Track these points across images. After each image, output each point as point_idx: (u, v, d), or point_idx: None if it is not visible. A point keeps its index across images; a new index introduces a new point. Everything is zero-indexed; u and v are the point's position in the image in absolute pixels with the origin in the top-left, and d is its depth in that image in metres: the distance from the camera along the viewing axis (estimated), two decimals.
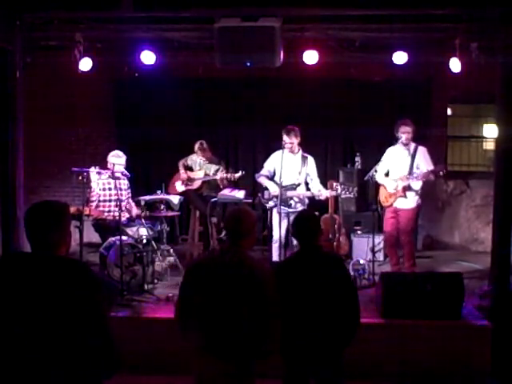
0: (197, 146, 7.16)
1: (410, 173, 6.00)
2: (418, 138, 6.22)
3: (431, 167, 5.98)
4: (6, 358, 2.12)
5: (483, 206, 8.02)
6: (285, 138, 6.07)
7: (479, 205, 8.18)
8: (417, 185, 6.04)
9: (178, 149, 7.60)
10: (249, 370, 3.02)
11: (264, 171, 6.35)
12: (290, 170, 6.12)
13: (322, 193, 6.14)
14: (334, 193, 6.14)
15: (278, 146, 6.16)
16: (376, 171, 6.15)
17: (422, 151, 6.08)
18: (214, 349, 2.97)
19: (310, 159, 6.27)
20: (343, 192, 6.09)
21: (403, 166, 6.08)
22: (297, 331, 3.21)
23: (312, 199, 6.34)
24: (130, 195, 6.47)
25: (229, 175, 6.89)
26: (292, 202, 6.15)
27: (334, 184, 6.17)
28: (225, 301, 2.95)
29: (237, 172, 6.83)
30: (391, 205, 6.14)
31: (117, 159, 6.18)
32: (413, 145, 6.09)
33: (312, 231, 3.38)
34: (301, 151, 6.25)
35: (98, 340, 2.13)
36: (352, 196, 6.20)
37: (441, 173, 5.98)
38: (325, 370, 3.31)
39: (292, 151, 6.12)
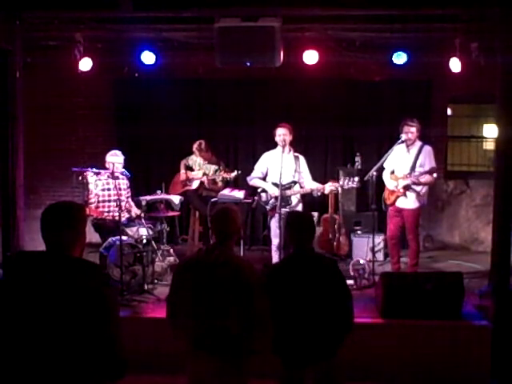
0: (195, 146, 7.15)
1: (411, 172, 6.00)
2: (419, 138, 6.21)
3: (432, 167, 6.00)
4: (14, 358, 2.12)
5: (483, 205, 8.02)
6: (279, 130, 6.06)
7: (479, 205, 8.18)
8: (417, 185, 6.03)
9: (178, 149, 7.61)
10: (240, 368, 3.02)
11: (256, 173, 6.32)
12: (286, 168, 6.07)
13: (325, 187, 6.09)
14: (336, 184, 6.12)
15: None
16: (384, 168, 6.17)
17: (428, 151, 6.07)
18: (203, 347, 2.98)
19: (302, 158, 6.28)
20: (345, 182, 6.05)
21: (405, 164, 6.07)
22: (293, 332, 3.21)
23: (310, 197, 6.31)
24: (129, 195, 6.46)
25: (224, 175, 6.90)
26: (292, 200, 6.14)
27: (335, 184, 6.17)
28: (210, 300, 2.96)
29: (232, 172, 6.84)
30: (393, 203, 6.14)
31: (115, 158, 6.16)
32: (418, 144, 6.07)
33: (307, 232, 3.36)
34: (292, 151, 6.24)
35: (106, 342, 2.13)
36: (355, 186, 6.10)
37: (434, 175, 5.98)
38: (320, 370, 3.31)
39: (284, 145, 6.05)
